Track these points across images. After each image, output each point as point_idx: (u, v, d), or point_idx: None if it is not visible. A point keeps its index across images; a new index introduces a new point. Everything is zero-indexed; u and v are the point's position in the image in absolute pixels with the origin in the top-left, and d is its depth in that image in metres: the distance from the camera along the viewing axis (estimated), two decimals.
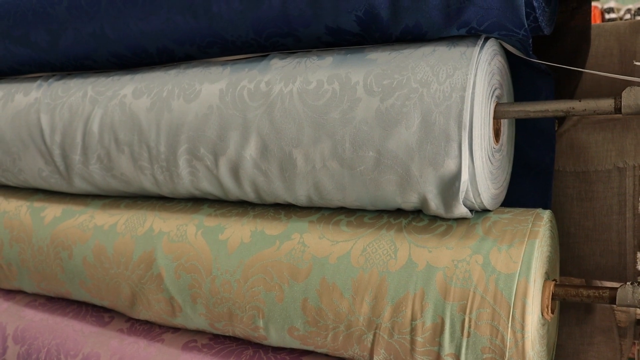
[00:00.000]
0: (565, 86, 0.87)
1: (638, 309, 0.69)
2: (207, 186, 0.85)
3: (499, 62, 0.74)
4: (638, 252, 0.85)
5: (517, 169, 0.84)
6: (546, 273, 0.73)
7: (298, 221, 0.80)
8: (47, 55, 1.01)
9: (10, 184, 1.11)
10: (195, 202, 0.92)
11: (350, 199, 0.76)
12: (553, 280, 0.73)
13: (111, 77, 0.95)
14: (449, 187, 0.68)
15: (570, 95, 0.87)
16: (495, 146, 0.74)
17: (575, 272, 0.90)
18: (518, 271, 0.66)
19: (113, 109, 0.89)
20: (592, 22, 0.90)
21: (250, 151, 0.78)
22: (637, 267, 0.85)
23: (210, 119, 0.80)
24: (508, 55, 0.78)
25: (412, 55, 0.71)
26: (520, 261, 0.66)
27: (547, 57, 0.84)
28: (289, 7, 0.76)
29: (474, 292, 0.67)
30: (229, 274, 0.80)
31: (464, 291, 0.67)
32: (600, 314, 0.94)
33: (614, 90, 0.87)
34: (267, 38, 0.81)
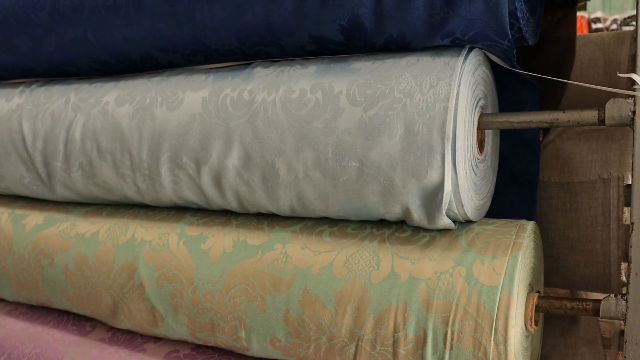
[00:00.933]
0: (550, 96, 0.87)
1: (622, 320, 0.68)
2: (189, 195, 0.84)
3: (483, 72, 0.74)
4: (622, 263, 0.84)
5: (502, 179, 0.84)
6: (530, 285, 0.73)
7: (281, 231, 0.79)
8: (30, 61, 1.00)
9: None
10: (178, 210, 0.91)
11: (333, 209, 0.75)
12: (537, 292, 0.72)
13: (94, 84, 0.94)
14: (432, 198, 0.68)
15: (556, 106, 0.87)
16: (479, 157, 0.74)
17: (560, 283, 0.90)
18: (501, 283, 0.65)
19: (95, 117, 0.89)
20: (578, 33, 0.90)
21: (233, 160, 0.77)
22: (621, 278, 0.85)
23: (192, 127, 0.79)
24: (493, 66, 0.78)
25: (395, 65, 0.71)
26: (503, 273, 0.66)
27: (532, 67, 0.84)
28: (273, 16, 0.76)
29: (457, 305, 0.66)
30: (211, 284, 0.79)
31: (447, 303, 0.67)
32: (585, 324, 0.94)
33: (599, 100, 0.87)
34: (250, 46, 0.81)
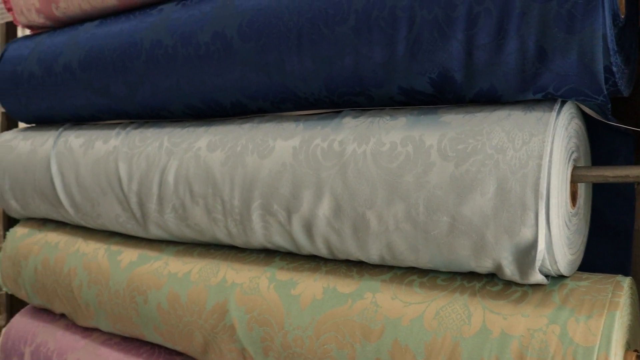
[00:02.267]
0: None
1: None
2: (279, 240, 0.86)
3: (576, 124, 0.73)
4: None
5: (594, 229, 0.82)
6: (627, 343, 0.71)
7: (370, 280, 0.81)
8: (125, 105, 1.05)
9: (89, 226, 1.16)
10: (267, 253, 0.94)
11: (424, 260, 0.76)
12: (634, 351, 0.71)
13: (186, 129, 0.98)
14: (525, 255, 0.67)
15: None
16: (572, 210, 0.73)
17: None
18: (597, 345, 0.64)
19: (188, 161, 0.92)
20: None
21: (324, 210, 0.79)
22: None
23: (283, 176, 0.82)
24: (584, 115, 0.77)
25: (486, 120, 0.71)
26: (599, 334, 0.65)
27: (624, 111, 0.82)
28: (362, 68, 0.77)
29: None
30: (301, 329, 0.81)
31: None
32: None
33: None
34: (339, 96, 0.82)
